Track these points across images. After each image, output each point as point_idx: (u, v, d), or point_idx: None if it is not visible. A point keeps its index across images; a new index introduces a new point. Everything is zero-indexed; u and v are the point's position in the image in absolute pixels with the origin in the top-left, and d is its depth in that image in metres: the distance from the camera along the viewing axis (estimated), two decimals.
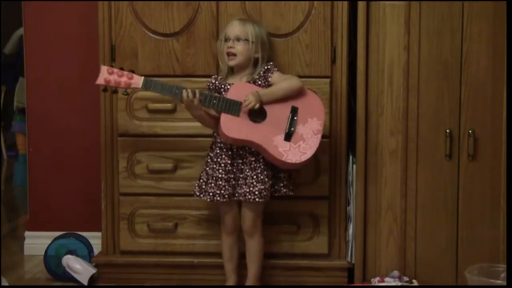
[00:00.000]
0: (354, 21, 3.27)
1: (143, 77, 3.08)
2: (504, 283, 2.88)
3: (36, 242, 3.82)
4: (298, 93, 3.08)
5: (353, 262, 3.30)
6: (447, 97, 3.21)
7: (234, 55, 3.10)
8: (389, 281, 3.19)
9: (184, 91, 3.03)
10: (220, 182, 3.09)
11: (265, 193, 3.06)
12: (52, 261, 3.50)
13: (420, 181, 3.23)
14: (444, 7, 3.18)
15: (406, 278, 3.22)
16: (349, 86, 3.33)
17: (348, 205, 3.35)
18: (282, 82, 3.08)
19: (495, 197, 3.19)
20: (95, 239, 3.56)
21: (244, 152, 3.09)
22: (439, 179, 3.23)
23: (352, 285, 3.29)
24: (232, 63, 3.12)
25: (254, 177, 3.06)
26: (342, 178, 3.35)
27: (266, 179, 3.07)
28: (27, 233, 3.92)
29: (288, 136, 3.05)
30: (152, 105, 3.34)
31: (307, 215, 3.35)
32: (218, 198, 3.10)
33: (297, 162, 3.04)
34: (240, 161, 3.09)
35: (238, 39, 3.10)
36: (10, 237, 4.33)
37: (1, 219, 4.85)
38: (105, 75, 3.07)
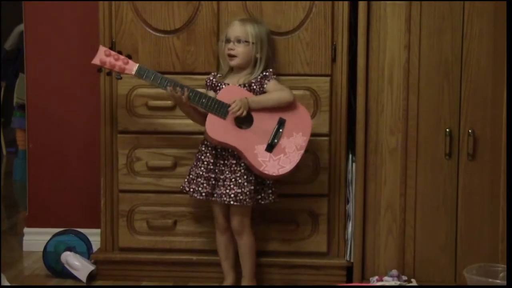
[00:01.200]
0: (354, 19, 3.27)
1: (137, 65, 3.10)
2: (502, 282, 2.88)
3: (35, 239, 3.82)
4: (288, 106, 3.07)
5: (352, 260, 3.30)
6: (447, 96, 3.21)
7: (235, 56, 3.10)
8: (387, 280, 3.19)
9: (170, 87, 3.04)
10: (200, 180, 3.11)
11: (241, 197, 3.05)
12: (51, 257, 3.49)
13: (419, 180, 3.23)
14: (445, 6, 3.18)
15: (404, 277, 3.23)
16: (349, 85, 3.33)
17: (348, 204, 3.35)
18: (273, 93, 3.08)
19: (494, 196, 3.19)
20: (94, 236, 3.56)
21: (226, 153, 3.09)
22: (439, 178, 3.23)
23: (351, 284, 3.29)
24: (233, 63, 3.12)
25: (233, 180, 3.05)
26: (341, 176, 3.35)
27: (245, 183, 3.05)
28: (26, 229, 3.92)
29: (270, 147, 3.03)
30: (152, 102, 3.34)
31: (306, 213, 3.35)
32: (196, 195, 3.12)
33: (274, 174, 3.03)
34: (222, 161, 3.10)
35: (238, 41, 3.10)
36: (9, 233, 4.33)
37: (1, 215, 4.85)
38: (102, 56, 3.10)
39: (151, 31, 3.34)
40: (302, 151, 3.06)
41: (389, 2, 3.20)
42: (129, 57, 3.12)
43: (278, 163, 3.03)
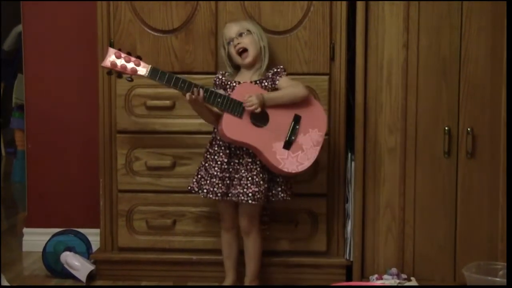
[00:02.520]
0: (353, 18, 3.27)
1: (150, 66, 3.01)
2: (502, 280, 2.88)
3: (35, 239, 3.82)
4: (303, 102, 3.05)
5: (351, 259, 3.31)
6: (445, 94, 3.21)
7: (246, 50, 3.09)
8: (387, 279, 3.19)
9: (191, 92, 2.97)
10: (214, 180, 3.08)
11: (258, 195, 3.03)
12: (50, 257, 3.49)
13: (418, 178, 3.23)
14: (443, 5, 3.18)
15: (404, 276, 3.23)
16: (347, 84, 3.33)
17: (347, 203, 3.35)
18: (288, 88, 3.06)
19: (493, 195, 3.20)
20: (94, 236, 3.56)
21: (241, 152, 3.07)
22: (438, 177, 3.23)
23: (351, 284, 3.29)
24: (248, 59, 3.09)
25: (249, 178, 3.04)
26: (340, 175, 3.35)
27: (261, 182, 3.04)
28: (25, 230, 3.92)
29: (288, 145, 3.02)
30: (151, 102, 3.34)
31: (306, 213, 3.35)
32: (211, 196, 3.09)
33: (293, 171, 3.02)
34: (237, 160, 3.07)
35: (240, 34, 3.10)
36: (8, 234, 4.33)
37: (0, 215, 4.85)
38: (112, 58, 2.99)
39: (149, 30, 3.34)
40: (319, 147, 3.04)
41: (387, 2, 3.20)
42: (139, 58, 3.02)
43: (297, 160, 3.02)
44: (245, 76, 3.13)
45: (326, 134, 3.30)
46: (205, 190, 3.10)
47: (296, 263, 3.36)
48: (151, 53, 3.33)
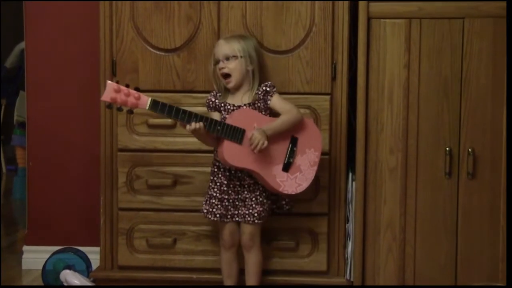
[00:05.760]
0: (354, 38, 3.28)
1: (150, 98, 2.98)
2: None
3: (34, 257, 3.81)
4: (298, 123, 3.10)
5: (351, 279, 3.30)
6: (447, 115, 3.21)
7: (229, 75, 3.09)
8: None
9: (193, 123, 2.97)
10: (213, 201, 3.10)
11: (263, 214, 3.08)
12: (50, 275, 3.49)
13: (419, 199, 3.23)
14: (444, 25, 3.19)
15: None
16: (349, 103, 3.34)
17: (347, 223, 3.35)
18: (284, 117, 3.06)
19: (494, 215, 3.19)
20: (94, 254, 3.55)
21: (242, 174, 3.08)
22: (439, 197, 3.22)
23: None
24: (231, 85, 3.11)
25: (253, 199, 3.06)
26: (341, 195, 3.34)
27: (264, 201, 3.08)
28: (25, 247, 3.91)
29: (287, 167, 3.06)
30: (152, 120, 3.34)
31: (306, 232, 3.35)
32: (210, 216, 3.11)
33: (293, 193, 3.08)
34: (238, 183, 3.09)
35: (227, 58, 3.10)
36: (8, 251, 4.32)
37: (0, 233, 4.84)
38: (111, 93, 2.95)
39: (151, 49, 3.35)
40: (315, 167, 3.11)
41: (388, 21, 3.21)
42: (138, 89, 2.99)
43: (295, 182, 3.07)
44: (236, 97, 3.14)
45: (327, 154, 3.31)
46: (204, 211, 3.13)
47: (296, 283, 3.34)
48: (153, 71, 3.34)
